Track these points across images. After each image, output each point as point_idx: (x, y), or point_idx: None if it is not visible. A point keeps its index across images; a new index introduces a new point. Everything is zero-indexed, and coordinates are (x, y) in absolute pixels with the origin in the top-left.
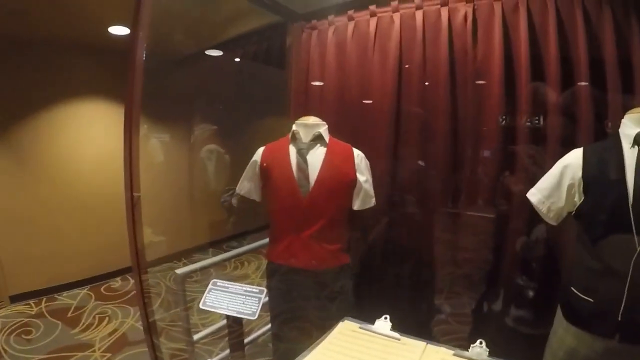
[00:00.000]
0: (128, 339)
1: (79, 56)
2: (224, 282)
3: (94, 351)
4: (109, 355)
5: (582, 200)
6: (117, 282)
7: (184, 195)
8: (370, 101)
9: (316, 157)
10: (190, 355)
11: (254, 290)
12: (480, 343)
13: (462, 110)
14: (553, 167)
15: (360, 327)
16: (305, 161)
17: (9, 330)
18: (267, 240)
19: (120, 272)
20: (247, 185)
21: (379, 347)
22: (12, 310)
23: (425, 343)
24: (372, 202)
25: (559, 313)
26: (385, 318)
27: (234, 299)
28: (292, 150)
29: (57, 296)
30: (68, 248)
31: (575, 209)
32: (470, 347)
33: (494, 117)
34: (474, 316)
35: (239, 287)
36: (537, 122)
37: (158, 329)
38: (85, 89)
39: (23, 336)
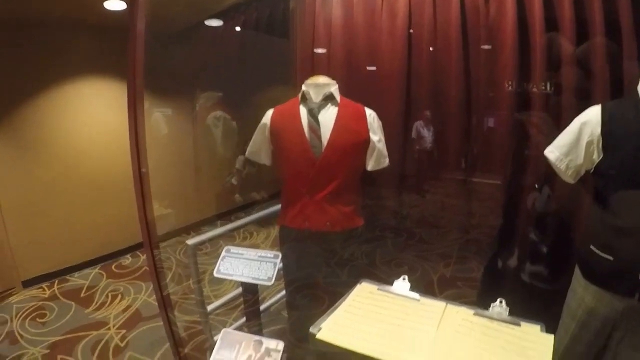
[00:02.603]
0: (142, 314)
1: (76, 35)
2: (238, 248)
3: (108, 328)
4: (123, 331)
5: (600, 157)
6: (127, 259)
7: (190, 168)
8: (379, 66)
9: (328, 117)
10: (205, 326)
11: (269, 255)
12: (500, 302)
13: (474, 72)
14: (571, 124)
15: (378, 289)
16: (317, 121)
17: (24, 315)
18: (278, 207)
19: (130, 249)
20: (256, 150)
21: (399, 308)
22: (25, 295)
23: (445, 303)
24: (386, 162)
25: (577, 272)
26: (404, 278)
27: (248, 265)
28: (303, 110)
29: (69, 277)
30: (77, 229)
31: (593, 166)
32: (491, 307)
33: (507, 79)
34: (486, 274)
35: (254, 253)
36: (552, 80)
37: (171, 302)
38: (85, 67)
39: (38, 320)
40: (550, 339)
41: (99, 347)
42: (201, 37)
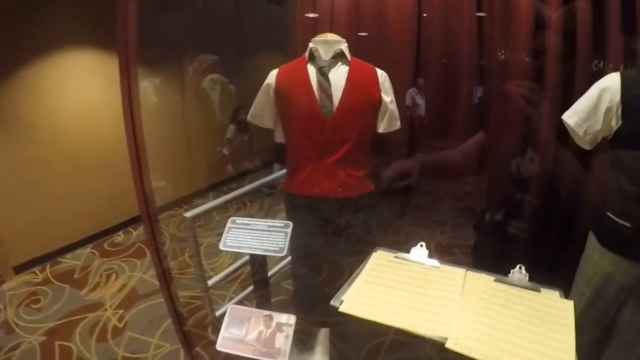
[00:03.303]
0: (138, 292)
1: (57, 3)
2: (244, 219)
3: (105, 310)
4: (121, 311)
5: (619, 124)
6: (119, 237)
7: (180, 138)
8: (386, 31)
9: (339, 75)
10: (205, 301)
11: (279, 224)
12: (520, 268)
13: (487, 38)
14: (589, 90)
15: (395, 257)
16: (328, 80)
17: (18, 302)
18: (273, 175)
19: (122, 226)
20: (259, 112)
21: (420, 276)
22: (17, 281)
23: (464, 270)
24: (398, 124)
25: (592, 239)
26: (421, 245)
27: (257, 236)
28: (312, 69)
29: (60, 259)
30: (65, 208)
31: (611, 133)
32: (511, 273)
33: (522, 46)
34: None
35: (262, 223)
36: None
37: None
38: (69, 38)
39: (32, 306)
40: (570, 304)
41: (97, 330)
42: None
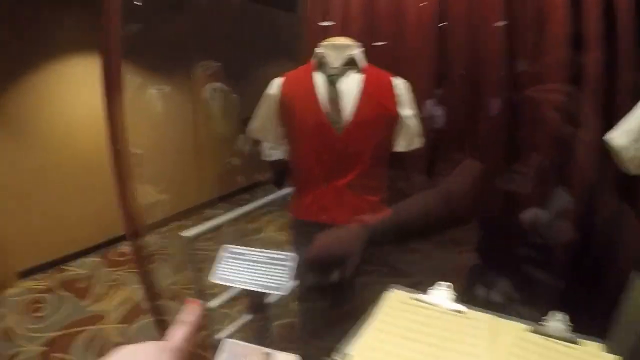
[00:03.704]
0: (142, 306)
1: (63, 10)
2: (238, 247)
3: (107, 323)
4: (123, 326)
5: None
6: (127, 246)
7: (190, 147)
8: (405, 39)
9: (350, 85)
10: (206, 321)
11: (281, 256)
12: (558, 315)
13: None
14: (637, 108)
15: (411, 298)
16: (337, 90)
17: (20, 309)
18: (283, 192)
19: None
20: (260, 126)
21: (440, 323)
22: (21, 287)
23: (493, 316)
24: (419, 142)
25: (636, 282)
26: (442, 286)
27: (254, 268)
28: (319, 77)
29: (66, 267)
30: (72, 215)
31: None
32: (547, 320)
33: (555, 57)
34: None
35: (260, 254)
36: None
37: (171, 293)
38: (72, 45)
39: (34, 314)
40: None
41: (96, 344)
42: (199, 7)
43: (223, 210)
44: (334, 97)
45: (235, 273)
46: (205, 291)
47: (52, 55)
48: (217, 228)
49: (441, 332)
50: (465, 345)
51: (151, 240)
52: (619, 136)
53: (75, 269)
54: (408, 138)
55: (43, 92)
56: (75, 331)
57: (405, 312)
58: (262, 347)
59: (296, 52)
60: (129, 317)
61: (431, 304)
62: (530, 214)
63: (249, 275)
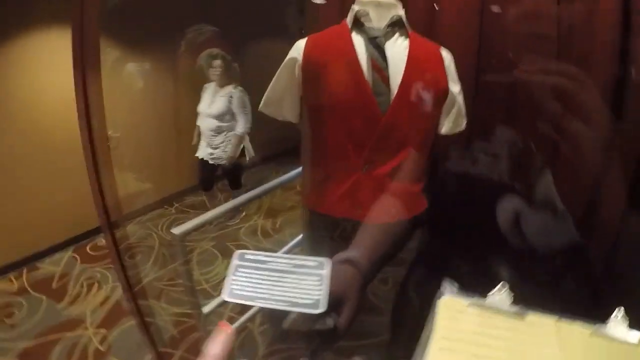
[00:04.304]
0: (123, 307)
1: None
2: (256, 253)
3: (86, 328)
4: (103, 331)
5: None
6: (103, 239)
7: (171, 129)
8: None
9: (396, 51)
10: (199, 324)
11: (312, 262)
12: (620, 311)
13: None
14: None
15: (468, 306)
16: (384, 56)
17: None
18: (281, 178)
19: None
20: (277, 99)
21: (505, 333)
22: None
23: (554, 319)
24: (464, 124)
25: None
26: (500, 288)
27: (279, 280)
28: (359, 40)
29: (39, 264)
30: (43, 207)
31: None
32: (610, 321)
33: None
34: None
35: (286, 261)
36: None
37: (156, 291)
38: (47, 18)
39: (6, 320)
40: None
41: (76, 353)
42: None
43: (205, 197)
44: (380, 64)
45: (255, 288)
46: (195, 287)
47: (22, 29)
48: (210, 222)
49: (512, 344)
50: (538, 356)
51: (130, 231)
52: None
53: (49, 267)
54: (454, 118)
55: (12, 70)
56: (52, 339)
57: (467, 323)
58: None
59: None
60: (109, 321)
61: (491, 310)
62: (506, 205)
63: (271, 290)
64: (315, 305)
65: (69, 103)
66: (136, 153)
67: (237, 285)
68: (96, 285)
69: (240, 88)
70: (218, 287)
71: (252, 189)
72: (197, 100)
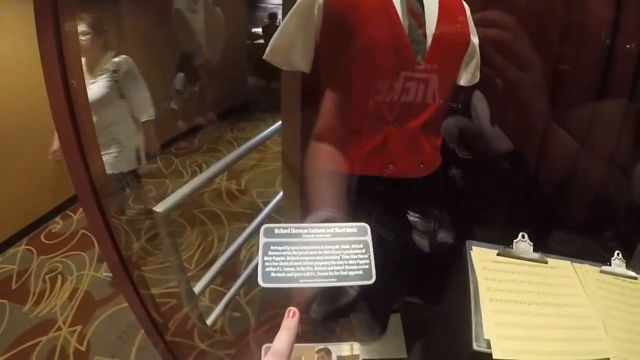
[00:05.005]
0: (94, 297)
1: None
2: (286, 226)
3: (59, 328)
4: (79, 328)
5: None
6: (58, 224)
7: None
8: None
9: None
10: (190, 310)
11: (351, 229)
12: (618, 254)
13: None
14: None
15: (498, 254)
16: (421, 1)
17: None
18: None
19: (59, 210)
20: (287, 45)
21: (537, 279)
22: None
23: (569, 262)
24: (478, 76)
25: None
26: (523, 236)
27: (321, 254)
28: None
29: None
30: None
31: None
32: (612, 260)
33: None
34: None
35: (321, 230)
36: None
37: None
38: None
39: None
40: None
41: (55, 358)
42: None
43: (160, 163)
44: (418, 11)
45: (294, 266)
46: (183, 264)
47: None
48: (190, 195)
49: (545, 287)
50: (571, 297)
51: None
52: None
53: (4, 266)
54: (472, 71)
55: None
56: (26, 347)
57: (503, 272)
58: (316, 344)
59: None
60: (83, 315)
61: (519, 258)
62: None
63: (316, 266)
64: (366, 275)
65: (8, 78)
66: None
67: (273, 266)
68: (60, 277)
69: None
70: (192, 260)
71: (212, 149)
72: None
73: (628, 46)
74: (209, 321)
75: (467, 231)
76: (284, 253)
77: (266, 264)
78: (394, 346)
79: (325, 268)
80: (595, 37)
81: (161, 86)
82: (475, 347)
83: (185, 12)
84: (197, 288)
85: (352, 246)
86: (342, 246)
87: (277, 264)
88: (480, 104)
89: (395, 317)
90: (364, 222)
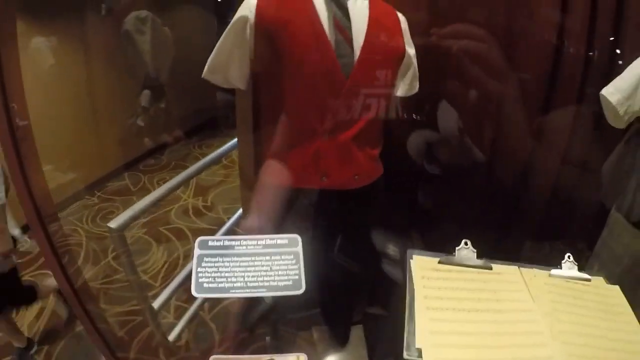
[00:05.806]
0: (62, 316)
1: None
2: (219, 238)
3: (26, 348)
4: (45, 347)
5: None
6: (26, 242)
7: (86, 110)
8: None
9: (358, 11)
10: (153, 325)
11: (282, 240)
12: (569, 257)
13: None
14: (632, 67)
15: (440, 262)
16: (347, 16)
17: None
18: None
19: (27, 228)
20: (223, 63)
21: (479, 285)
22: None
23: (516, 267)
24: (417, 87)
25: (620, 220)
26: (466, 243)
27: (253, 265)
28: None
29: None
30: None
31: None
32: (563, 264)
33: None
34: None
35: (252, 241)
36: None
37: (92, 292)
38: None
39: None
40: (617, 289)
41: None
42: None
43: (128, 181)
44: (344, 24)
45: (226, 277)
46: (142, 281)
47: None
48: (145, 210)
49: (488, 294)
50: (515, 302)
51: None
52: (613, 93)
53: None
54: (409, 82)
55: None
56: None
57: (443, 280)
58: (261, 356)
59: None
60: (51, 335)
61: (461, 265)
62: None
63: (247, 277)
64: (296, 285)
65: None
66: (48, 142)
67: (205, 277)
68: None
69: None
70: (157, 277)
71: (180, 166)
72: (117, 73)
73: (572, 50)
74: (171, 337)
75: (426, 241)
76: (216, 264)
77: (199, 275)
78: (355, 358)
79: (255, 279)
80: (541, 42)
81: (128, 103)
82: (406, 355)
83: (133, 34)
84: (157, 304)
85: (283, 257)
86: (273, 257)
87: (209, 274)
88: (447, 114)
89: (357, 329)
90: (304, 233)
